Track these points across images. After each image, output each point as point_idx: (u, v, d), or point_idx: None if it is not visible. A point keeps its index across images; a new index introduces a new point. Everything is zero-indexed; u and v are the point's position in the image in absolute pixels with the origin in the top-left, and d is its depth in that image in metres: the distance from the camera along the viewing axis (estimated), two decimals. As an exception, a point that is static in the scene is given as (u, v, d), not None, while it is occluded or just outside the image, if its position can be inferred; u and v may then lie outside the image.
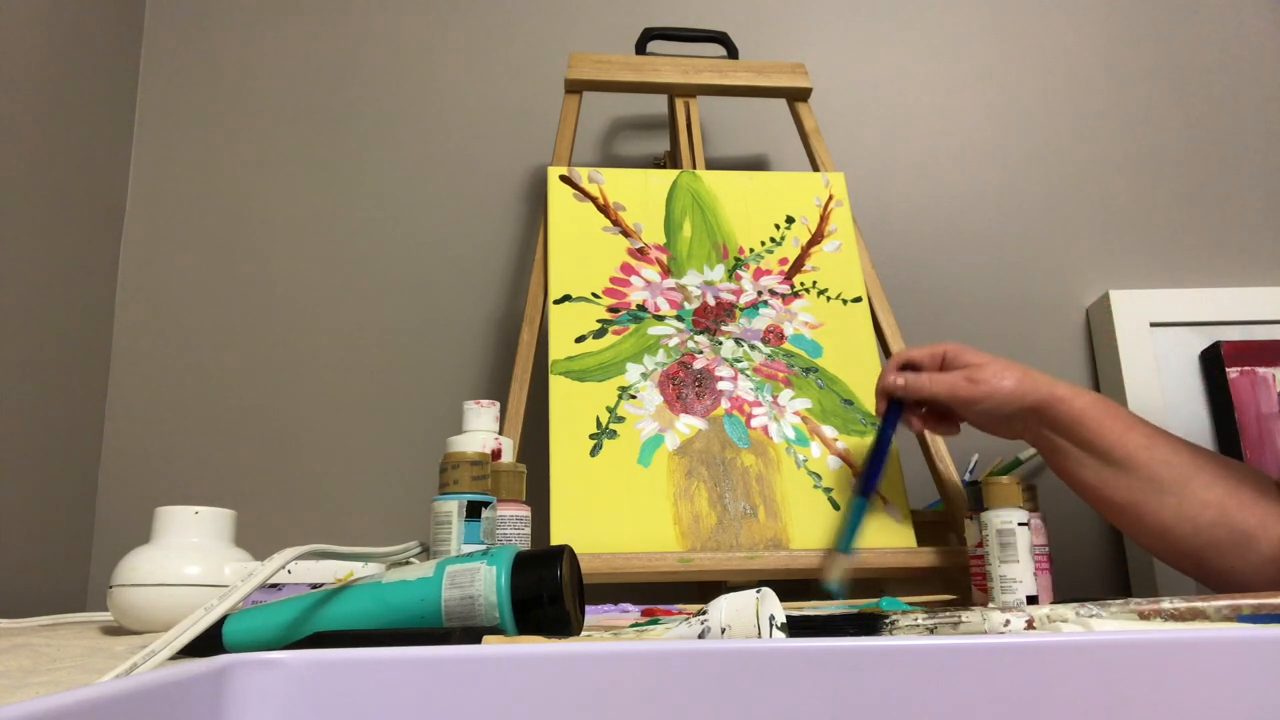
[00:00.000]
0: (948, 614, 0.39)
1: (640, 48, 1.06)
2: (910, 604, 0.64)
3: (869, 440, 0.84)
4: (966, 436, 1.07)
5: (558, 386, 0.83)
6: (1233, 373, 1.00)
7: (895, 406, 0.76)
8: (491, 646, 0.27)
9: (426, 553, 0.58)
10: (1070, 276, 1.14)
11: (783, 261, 0.93)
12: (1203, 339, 1.05)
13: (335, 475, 1.06)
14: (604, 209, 0.93)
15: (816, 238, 0.95)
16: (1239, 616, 0.40)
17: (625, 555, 0.74)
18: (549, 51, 1.19)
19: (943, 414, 0.76)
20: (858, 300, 0.92)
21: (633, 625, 0.42)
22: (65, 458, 0.99)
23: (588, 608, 0.68)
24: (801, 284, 0.92)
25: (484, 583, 0.43)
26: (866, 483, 0.76)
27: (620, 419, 0.82)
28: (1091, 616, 0.40)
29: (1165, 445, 0.67)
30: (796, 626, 0.36)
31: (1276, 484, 0.67)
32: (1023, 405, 0.70)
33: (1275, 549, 0.61)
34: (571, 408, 0.82)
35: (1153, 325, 1.05)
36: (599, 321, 0.87)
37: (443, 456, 0.57)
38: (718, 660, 0.26)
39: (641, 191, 0.94)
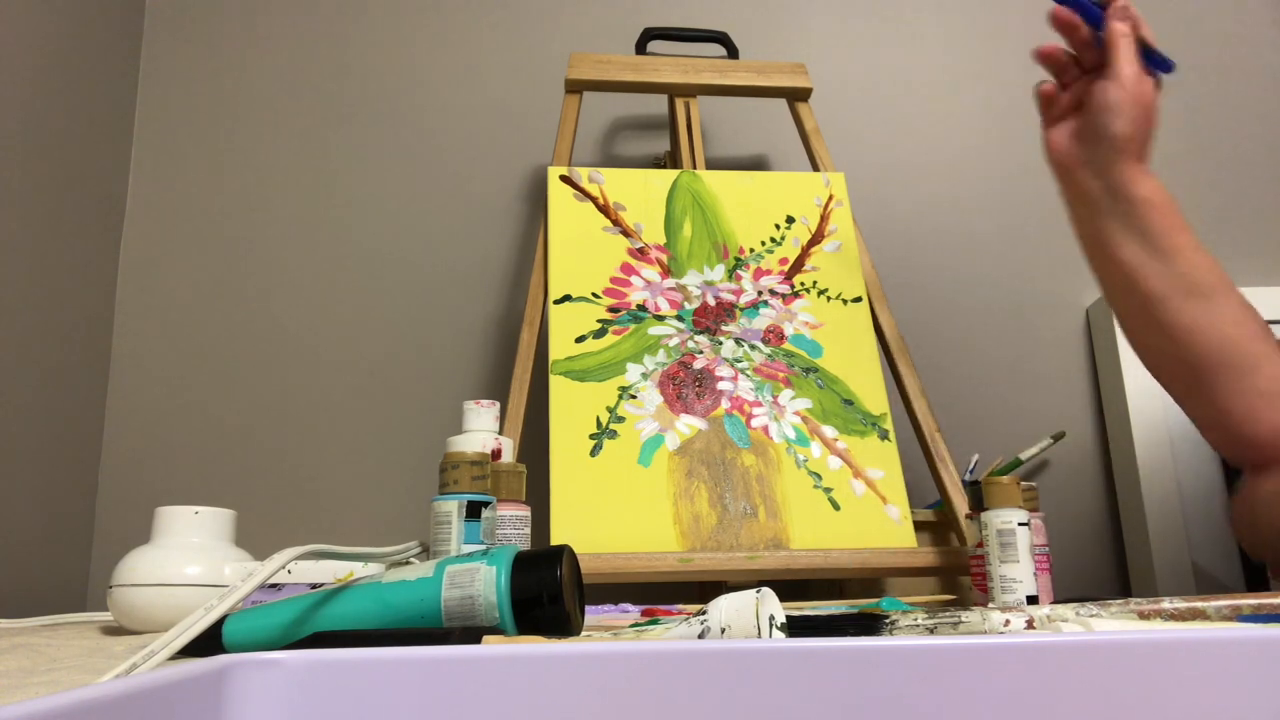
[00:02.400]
0: (948, 614, 0.39)
1: (640, 48, 1.07)
2: (910, 604, 0.64)
3: (869, 439, 0.84)
4: (966, 436, 1.07)
5: (558, 386, 0.83)
6: (1233, 373, 1.00)
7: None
8: (492, 646, 0.27)
9: (426, 553, 0.58)
10: (1070, 277, 1.14)
11: (783, 261, 0.93)
12: (1203, 339, 1.05)
13: (335, 475, 1.06)
14: (604, 209, 0.93)
15: (816, 238, 0.95)
16: (1239, 616, 0.40)
17: (625, 555, 0.74)
18: (549, 51, 1.19)
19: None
20: (858, 300, 0.92)
21: (632, 625, 0.42)
22: (65, 458, 0.99)
23: (588, 608, 0.68)
24: (801, 284, 0.92)
25: (484, 583, 0.43)
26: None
27: (620, 419, 0.82)
28: (1092, 616, 0.40)
29: (1208, 256, 0.67)
30: (796, 626, 0.36)
31: None
32: (1124, 138, 0.66)
33: (1274, 384, 0.62)
34: (571, 408, 0.82)
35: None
36: (599, 321, 0.87)
37: (443, 456, 0.57)
38: (717, 660, 0.26)
39: (642, 191, 0.94)
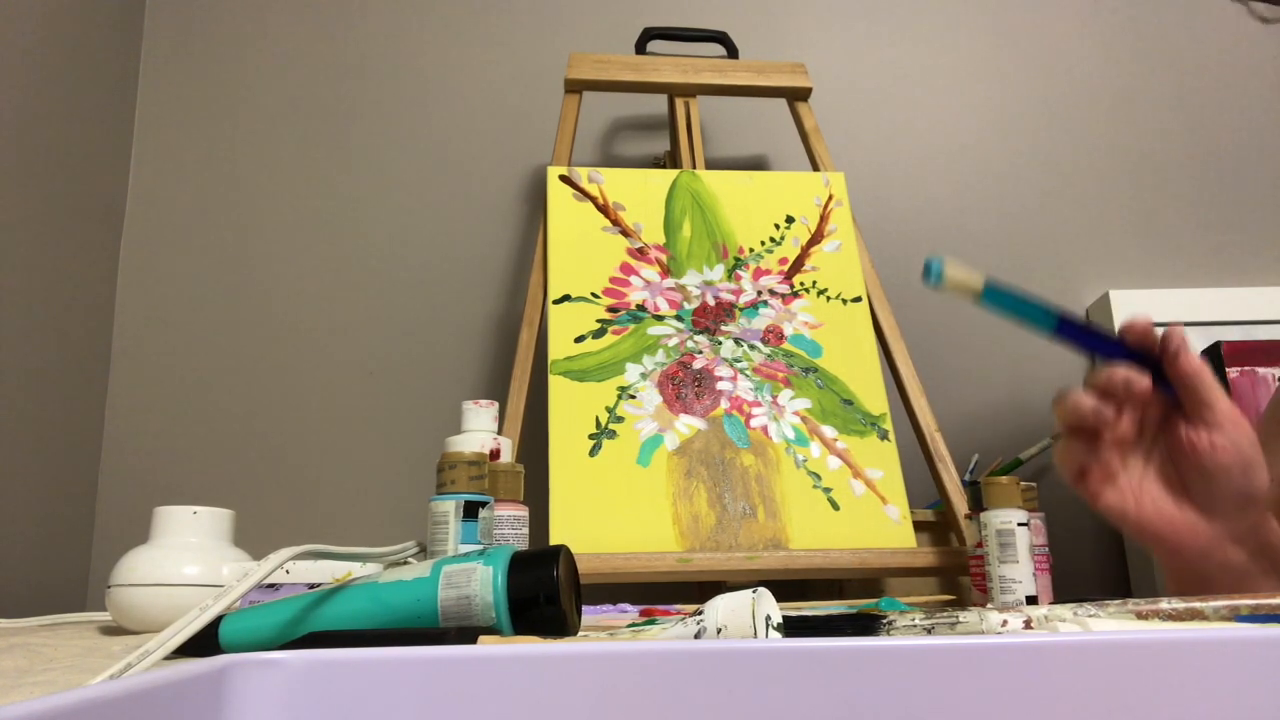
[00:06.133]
0: (945, 614, 0.39)
1: (640, 47, 1.06)
2: (909, 604, 0.64)
3: (868, 439, 0.84)
4: (966, 436, 1.07)
5: (557, 386, 0.83)
6: (1233, 373, 1.00)
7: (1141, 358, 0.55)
8: (490, 646, 0.27)
9: (424, 553, 0.58)
10: (1070, 276, 1.14)
11: (782, 261, 0.93)
12: (1203, 339, 1.05)
13: (334, 475, 1.06)
14: (604, 209, 0.93)
15: (816, 237, 0.95)
16: (1237, 617, 0.40)
17: (624, 555, 0.74)
18: (549, 51, 1.19)
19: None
20: (857, 300, 0.92)
21: (629, 625, 0.42)
22: (65, 458, 0.99)
23: (587, 608, 0.68)
24: (801, 284, 0.92)
25: (480, 583, 0.42)
26: (1069, 322, 0.55)
27: (619, 419, 0.82)
28: (1090, 616, 0.39)
29: None
30: (793, 626, 0.36)
31: None
32: (1263, 490, 0.52)
33: None
34: (571, 408, 0.82)
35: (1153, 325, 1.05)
36: (598, 321, 0.87)
37: (440, 456, 0.57)
38: (713, 660, 0.26)
39: (641, 191, 0.94)
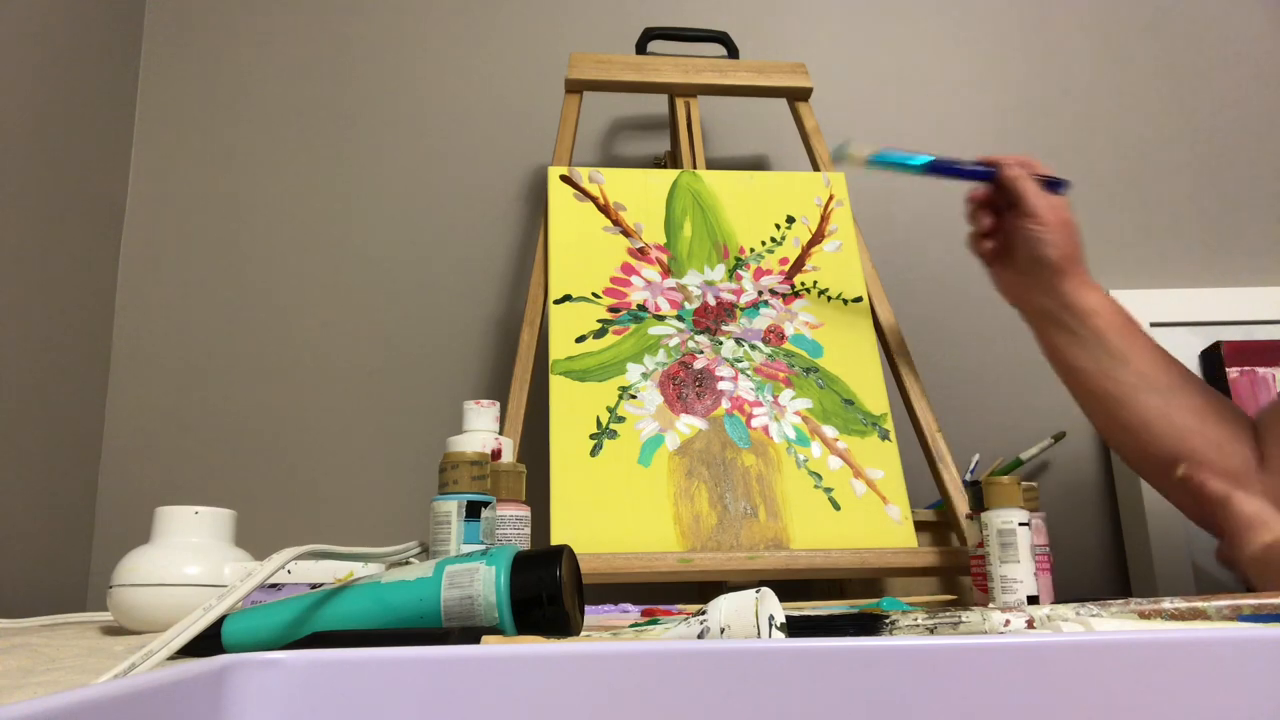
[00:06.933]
0: (948, 614, 0.39)
1: (641, 47, 1.06)
2: (911, 604, 0.64)
3: (869, 439, 0.84)
4: (967, 436, 1.07)
5: (558, 386, 0.83)
6: (1233, 373, 1.00)
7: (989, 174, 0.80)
8: (492, 646, 0.27)
9: (426, 553, 0.58)
10: (1071, 276, 1.14)
11: (783, 261, 0.93)
12: (1203, 339, 1.05)
13: (335, 475, 1.06)
14: (604, 209, 0.93)
15: (817, 237, 0.95)
16: (1239, 616, 0.40)
17: (625, 555, 0.74)
18: (549, 51, 1.19)
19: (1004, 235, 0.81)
20: (858, 300, 0.92)
21: (632, 625, 0.42)
22: (65, 458, 0.99)
23: (588, 608, 0.68)
24: (802, 284, 0.92)
25: (483, 583, 0.43)
26: (938, 163, 0.81)
27: (620, 419, 0.82)
28: (1092, 616, 0.40)
29: (1161, 353, 0.75)
30: (796, 626, 0.36)
31: (1249, 420, 0.73)
32: (1059, 261, 0.75)
33: (1244, 463, 0.69)
34: (572, 408, 0.82)
35: (1153, 325, 1.05)
36: (599, 321, 0.87)
37: (442, 456, 0.57)
38: (717, 660, 0.26)
39: (642, 191, 0.94)
